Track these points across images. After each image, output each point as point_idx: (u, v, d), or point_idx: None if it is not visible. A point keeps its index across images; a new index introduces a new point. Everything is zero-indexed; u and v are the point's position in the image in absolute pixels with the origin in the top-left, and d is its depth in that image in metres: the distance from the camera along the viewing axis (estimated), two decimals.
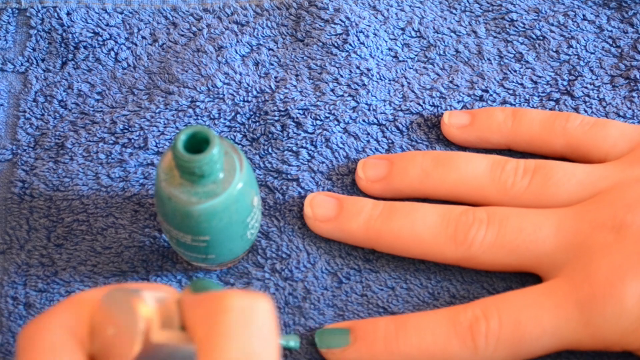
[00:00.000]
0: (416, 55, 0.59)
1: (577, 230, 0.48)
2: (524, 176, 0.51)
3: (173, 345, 0.40)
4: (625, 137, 0.52)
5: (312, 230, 0.53)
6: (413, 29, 0.60)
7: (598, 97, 0.57)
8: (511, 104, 0.57)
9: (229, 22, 0.60)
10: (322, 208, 0.52)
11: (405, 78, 0.58)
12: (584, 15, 0.60)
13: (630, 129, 0.52)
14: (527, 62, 0.58)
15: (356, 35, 0.59)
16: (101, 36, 0.59)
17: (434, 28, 0.60)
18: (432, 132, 0.56)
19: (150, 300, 0.40)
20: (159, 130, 0.56)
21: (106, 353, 0.40)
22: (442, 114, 0.56)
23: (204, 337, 0.38)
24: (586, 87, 0.57)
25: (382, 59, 0.59)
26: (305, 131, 0.56)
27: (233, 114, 0.56)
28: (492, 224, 0.49)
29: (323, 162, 0.55)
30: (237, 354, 0.37)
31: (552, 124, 0.53)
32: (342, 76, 0.58)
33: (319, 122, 0.56)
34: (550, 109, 0.57)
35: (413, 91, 0.57)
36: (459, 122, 0.55)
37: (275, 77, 0.58)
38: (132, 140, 0.56)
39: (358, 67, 0.58)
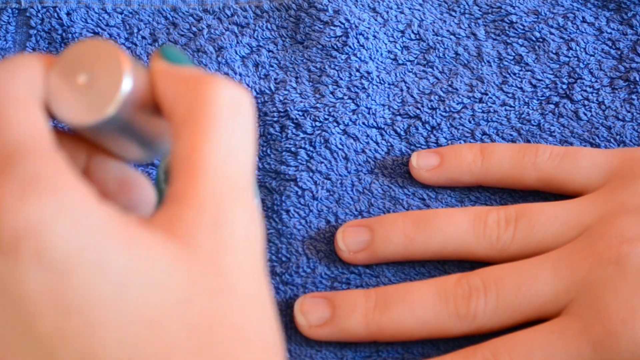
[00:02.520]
0: (415, 57, 0.59)
1: (574, 269, 0.48)
2: (507, 228, 0.50)
3: (148, 112, 0.35)
4: (597, 167, 0.51)
5: (308, 337, 0.50)
6: (412, 32, 0.60)
7: (597, 100, 0.57)
8: (510, 106, 0.57)
9: (229, 24, 0.60)
10: (315, 312, 0.49)
11: (405, 82, 0.58)
12: (583, 17, 0.60)
13: (600, 157, 0.52)
14: (527, 64, 0.58)
15: (356, 38, 0.59)
16: (101, 36, 0.59)
17: (433, 30, 0.60)
18: (431, 137, 0.56)
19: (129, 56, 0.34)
20: None
21: (68, 108, 0.34)
22: (442, 115, 0.56)
23: (186, 119, 0.34)
24: (585, 90, 0.57)
25: (381, 62, 0.59)
26: (304, 132, 0.56)
27: None
28: (489, 290, 0.48)
29: (322, 162, 0.55)
30: (219, 144, 0.34)
31: (522, 160, 0.52)
32: (341, 79, 0.58)
33: (317, 124, 0.56)
34: (550, 112, 0.57)
35: (412, 95, 0.57)
36: (428, 164, 0.54)
37: (275, 79, 0.58)
38: None
39: (358, 70, 0.58)
